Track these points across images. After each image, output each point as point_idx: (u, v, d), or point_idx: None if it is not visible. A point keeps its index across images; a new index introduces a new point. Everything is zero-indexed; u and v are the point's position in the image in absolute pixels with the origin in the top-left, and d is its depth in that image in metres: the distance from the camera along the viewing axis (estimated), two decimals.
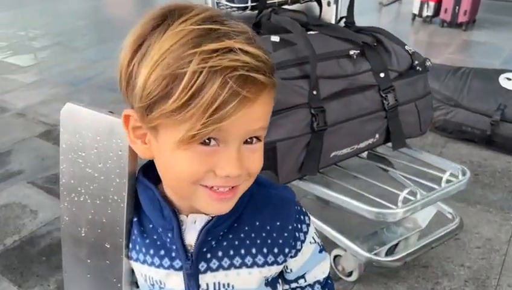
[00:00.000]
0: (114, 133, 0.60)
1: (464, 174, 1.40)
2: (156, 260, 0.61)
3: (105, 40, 4.29)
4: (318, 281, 0.70)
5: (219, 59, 0.44)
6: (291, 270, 0.66)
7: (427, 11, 4.27)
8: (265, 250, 0.60)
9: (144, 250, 0.62)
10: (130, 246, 0.64)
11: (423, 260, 1.60)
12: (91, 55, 3.88)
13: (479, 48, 3.79)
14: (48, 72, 3.53)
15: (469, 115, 2.26)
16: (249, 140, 0.51)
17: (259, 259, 0.60)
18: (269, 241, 0.61)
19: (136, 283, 0.69)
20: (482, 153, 2.25)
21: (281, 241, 0.61)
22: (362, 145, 1.45)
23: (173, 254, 0.60)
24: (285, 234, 0.62)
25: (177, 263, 0.60)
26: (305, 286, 0.70)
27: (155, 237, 0.61)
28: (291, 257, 0.64)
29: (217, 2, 1.42)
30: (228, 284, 0.60)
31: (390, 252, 1.50)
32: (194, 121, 0.46)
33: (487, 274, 1.55)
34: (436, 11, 4.23)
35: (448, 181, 1.37)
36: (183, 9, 0.49)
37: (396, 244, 1.52)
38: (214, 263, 0.59)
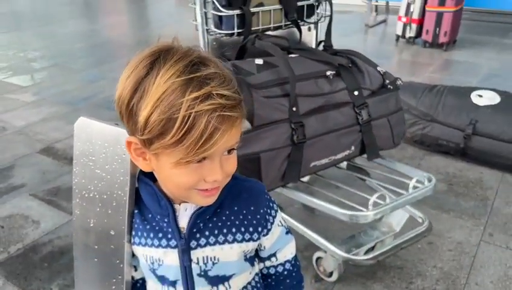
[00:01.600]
0: (119, 141, 0.74)
1: (429, 181, 1.54)
2: (156, 242, 0.75)
3: (102, 62, 4.46)
4: (288, 261, 0.85)
5: (201, 105, 0.59)
6: (264, 247, 0.81)
7: (410, 33, 4.50)
8: (242, 229, 0.75)
9: (145, 235, 0.76)
10: (133, 233, 0.78)
11: (398, 261, 1.74)
12: (88, 75, 4.05)
13: (458, 66, 3.99)
14: (47, 92, 3.68)
15: (444, 129, 2.42)
16: (226, 152, 0.67)
17: (238, 236, 0.75)
18: (245, 222, 0.76)
19: (135, 267, 0.83)
20: (457, 165, 2.41)
21: (254, 222, 0.76)
22: (339, 156, 1.60)
23: (169, 236, 0.75)
24: (258, 216, 0.77)
25: (173, 243, 0.74)
26: (278, 265, 0.84)
27: (154, 223, 0.76)
28: (263, 235, 0.79)
29: (206, 29, 1.58)
30: (214, 257, 0.75)
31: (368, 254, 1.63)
32: (187, 151, 0.61)
33: (457, 274, 1.68)
34: (418, 33, 4.46)
35: (415, 187, 1.52)
36: (167, 55, 0.62)
37: (374, 247, 1.66)
38: (202, 241, 0.74)
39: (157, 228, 0.75)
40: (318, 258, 1.66)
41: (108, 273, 0.81)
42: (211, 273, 0.76)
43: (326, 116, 1.53)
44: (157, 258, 0.76)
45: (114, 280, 0.81)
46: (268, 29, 1.68)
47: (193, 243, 0.74)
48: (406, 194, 1.49)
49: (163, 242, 0.75)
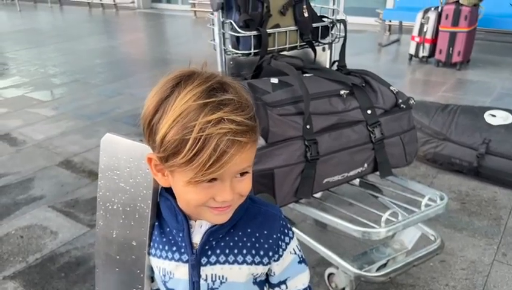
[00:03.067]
0: (143, 156, 0.78)
1: (441, 199, 1.56)
2: (169, 254, 0.78)
3: (120, 78, 4.58)
4: None
5: (212, 128, 0.62)
6: (274, 273, 0.81)
7: (423, 52, 4.53)
8: (253, 252, 0.77)
9: (161, 247, 0.80)
10: (151, 244, 0.82)
11: (410, 279, 1.74)
12: (107, 91, 4.15)
13: (471, 86, 4.00)
14: (66, 106, 3.79)
15: (457, 148, 2.43)
16: (239, 174, 0.69)
17: (249, 258, 0.76)
18: (257, 245, 0.77)
19: (152, 278, 0.87)
20: (470, 184, 2.41)
21: (266, 246, 0.77)
22: (352, 173, 1.63)
23: (182, 250, 0.77)
24: (270, 241, 0.78)
25: (185, 257, 0.77)
26: None
27: (170, 237, 0.79)
28: (274, 260, 0.79)
29: (224, 49, 1.64)
30: (222, 276, 0.77)
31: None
32: (196, 171, 0.64)
33: None
34: (432, 52, 4.49)
35: (427, 205, 1.53)
36: (188, 80, 0.66)
37: (385, 264, 1.66)
38: (213, 259, 0.76)
39: (172, 241, 0.78)
40: (330, 274, 1.67)
41: (128, 283, 0.85)
42: None
43: (339, 134, 1.56)
44: (169, 271, 0.79)
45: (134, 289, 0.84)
46: (284, 49, 1.73)
47: (204, 260, 0.76)
48: (419, 212, 1.50)
49: (176, 256, 0.78)
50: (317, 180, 1.54)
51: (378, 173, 1.69)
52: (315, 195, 1.69)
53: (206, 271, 0.76)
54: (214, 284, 0.77)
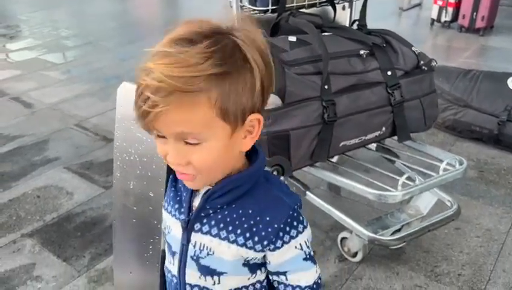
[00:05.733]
0: None
1: (460, 164, 1.52)
2: (172, 210, 0.77)
3: (134, 40, 4.52)
4: (299, 286, 0.75)
5: (144, 77, 0.59)
6: (269, 262, 0.74)
7: (446, 17, 4.36)
8: (247, 235, 0.70)
9: (168, 200, 0.79)
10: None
11: (425, 246, 1.73)
12: (120, 54, 4.11)
13: (494, 52, 3.86)
14: (79, 69, 3.77)
15: (477, 115, 2.36)
16: (186, 140, 0.62)
17: (240, 240, 0.70)
18: (254, 229, 0.70)
19: None
20: (489, 152, 2.36)
21: (263, 233, 0.70)
22: (369, 136, 1.59)
23: (182, 210, 0.75)
24: (269, 230, 0.70)
25: (182, 217, 0.75)
26: (288, 285, 0.76)
27: (179, 193, 0.77)
28: (269, 249, 0.71)
29: (241, 6, 1.58)
30: (210, 249, 0.72)
31: None
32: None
33: (484, 260, 1.66)
34: (455, 17, 4.32)
35: (445, 170, 1.50)
36: (171, 30, 0.62)
37: (400, 230, 1.65)
38: (205, 228, 0.72)
39: (178, 198, 0.76)
40: (343, 239, 1.67)
41: (145, 234, 0.85)
42: (202, 262, 0.74)
43: (358, 95, 1.52)
44: (169, 225, 0.78)
45: (151, 240, 0.84)
46: (303, 6, 1.67)
47: (197, 226, 0.73)
48: (436, 176, 1.47)
49: (177, 213, 0.76)
50: (333, 144, 1.51)
51: (395, 137, 1.66)
52: (331, 159, 1.67)
53: (196, 238, 0.73)
54: (200, 253, 0.73)
